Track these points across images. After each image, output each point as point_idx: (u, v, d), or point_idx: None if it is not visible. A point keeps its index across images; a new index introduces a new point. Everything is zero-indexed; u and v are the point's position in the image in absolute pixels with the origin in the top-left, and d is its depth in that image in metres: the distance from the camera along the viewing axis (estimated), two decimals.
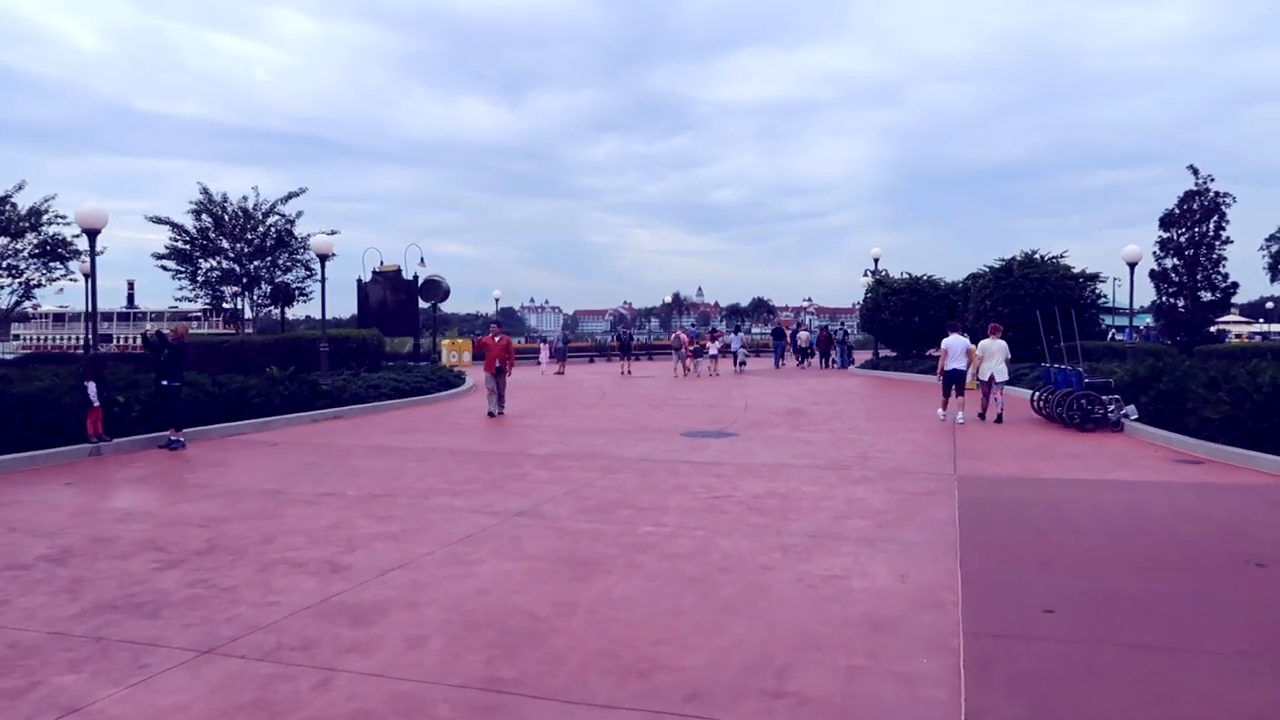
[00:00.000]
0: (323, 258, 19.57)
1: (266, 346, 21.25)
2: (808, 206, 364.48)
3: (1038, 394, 16.09)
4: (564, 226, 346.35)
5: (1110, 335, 25.52)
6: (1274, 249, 62.13)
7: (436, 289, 26.50)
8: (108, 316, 76.74)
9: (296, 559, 6.56)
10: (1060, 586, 5.83)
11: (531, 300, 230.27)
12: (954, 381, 15.56)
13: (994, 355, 15.83)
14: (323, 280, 20.83)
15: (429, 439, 13.62)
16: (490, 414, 16.54)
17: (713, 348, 32.79)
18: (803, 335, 41.32)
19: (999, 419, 15.45)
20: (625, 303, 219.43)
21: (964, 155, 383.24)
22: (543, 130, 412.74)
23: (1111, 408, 14.22)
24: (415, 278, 26.98)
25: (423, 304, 27.76)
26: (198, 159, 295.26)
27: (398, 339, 35.04)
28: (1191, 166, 22.41)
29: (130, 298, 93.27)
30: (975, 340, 17.31)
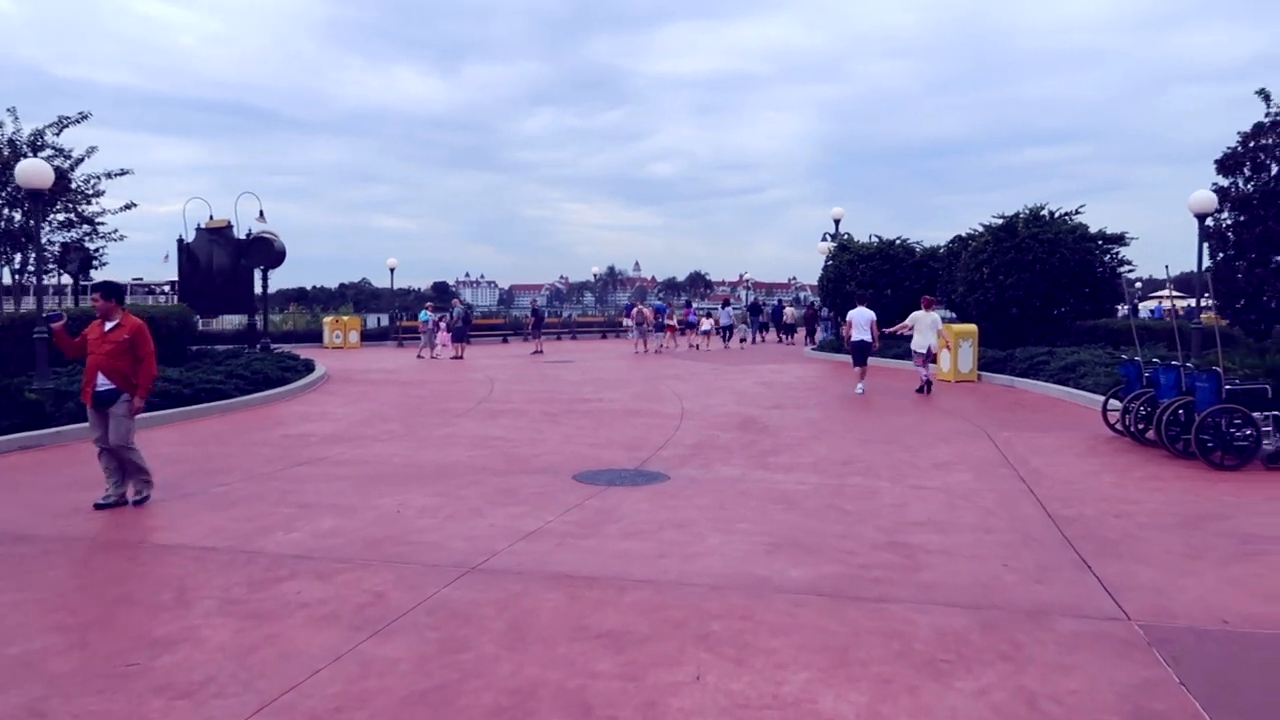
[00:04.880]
0: (34, 194, 12.66)
1: (2, 330, 14.61)
2: (744, 182, 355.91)
3: (1126, 400, 10.60)
4: (501, 200, 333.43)
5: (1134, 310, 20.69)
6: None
7: (267, 250, 19.77)
8: None
9: None
10: None
11: (467, 275, 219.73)
12: (861, 353, 15.59)
13: (927, 328, 15.41)
14: (36, 229, 13.30)
15: (75, 514, 7.55)
16: (98, 504, 7.29)
17: (707, 323, 31.32)
18: (788, 311, 39.60)
19: (928, 389, 15.21)
20: (561, 277, 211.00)
21: (898, 132, 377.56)
22: (479, 102, 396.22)
23: (1268, 430, 8.86)
24: (249, 234, 20.36)
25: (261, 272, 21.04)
26: (121, 129, 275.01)
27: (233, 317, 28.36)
28: (1262, 91, 16.96)
29: None
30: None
